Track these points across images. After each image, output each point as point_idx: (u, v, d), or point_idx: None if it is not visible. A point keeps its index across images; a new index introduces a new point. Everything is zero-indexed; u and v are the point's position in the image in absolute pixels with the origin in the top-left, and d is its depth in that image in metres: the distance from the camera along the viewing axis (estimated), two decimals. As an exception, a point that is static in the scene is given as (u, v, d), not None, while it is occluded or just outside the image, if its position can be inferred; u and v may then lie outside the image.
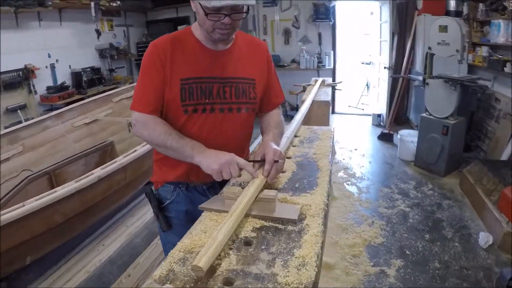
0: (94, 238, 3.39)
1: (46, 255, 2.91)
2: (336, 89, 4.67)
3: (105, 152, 4.19)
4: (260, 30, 7.50)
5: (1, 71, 4.92)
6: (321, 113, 3.55)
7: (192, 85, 1.46)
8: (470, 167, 4.05)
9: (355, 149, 5.44)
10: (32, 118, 4.47)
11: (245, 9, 1.36)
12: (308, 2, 6.98)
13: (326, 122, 3.56)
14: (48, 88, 5.60)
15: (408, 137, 4.89)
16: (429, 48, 4.31)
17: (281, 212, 1.19)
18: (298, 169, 1.58)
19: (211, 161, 1.33)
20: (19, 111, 5.19)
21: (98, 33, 6.33)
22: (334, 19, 7.06)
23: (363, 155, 5.22)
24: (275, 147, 1.43)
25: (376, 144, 5.76)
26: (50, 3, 5.13)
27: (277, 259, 0.95)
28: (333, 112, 7.50)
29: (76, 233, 3.09)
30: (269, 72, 1.66)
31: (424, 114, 4.49)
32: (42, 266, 2.98)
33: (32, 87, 5.34)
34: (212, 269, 0.90)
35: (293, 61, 7.43)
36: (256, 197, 1.22)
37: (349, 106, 7.74)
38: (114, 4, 6.60)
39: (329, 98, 3.64)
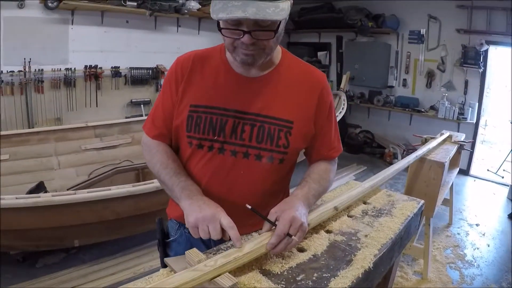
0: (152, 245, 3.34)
1: (97, 245, 3.09)
2: (464, 149, 3.85)
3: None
4: (402, 68, 6.83)
5: (134, 67, 5.44)
6: (432, 176, 2.88)
7: (201, 114, 1.17)
8: None
9: (476, 225, 4.46)
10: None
11: (273, 26, 1.01)
12: (458, 43, 6.09)
13: (436, 188, 2.88)
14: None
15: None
16: None
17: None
18: (325, 252, 1.14)
19: (191, 211, 1.03)
20: (142, 105, 5.56)
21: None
22: (485, 66, 6.00)
23: (483, 235, 4.23)
24: (298, 213, 1.03)
25: (505, 224, 4.63)
26: (186, 11, 5.37)
27: None
28: (467, 174, 6.42)
29: (128, 234, 3.14)
30: (321, 117, 1.26)
31: None
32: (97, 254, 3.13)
33: (159, 86, 5.68)
34: None
35: (432, 107, 6.56)
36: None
37: (487, 170, 6.53)
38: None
39: (446, 160, 2.94)
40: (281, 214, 1.04)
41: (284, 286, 0.96)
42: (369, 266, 1.07)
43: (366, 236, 1.25)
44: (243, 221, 1.21)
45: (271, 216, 1.05)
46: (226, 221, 1.00)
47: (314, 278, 1.00)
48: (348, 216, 1.40)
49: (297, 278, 0.99)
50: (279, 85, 1.20)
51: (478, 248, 3.92)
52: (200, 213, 1.02)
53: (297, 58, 1.28)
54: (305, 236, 1.20)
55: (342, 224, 1.33)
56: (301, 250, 1.14)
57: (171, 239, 1.39)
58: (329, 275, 1.01)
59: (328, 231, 1.27)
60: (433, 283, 3.17)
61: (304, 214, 1.07)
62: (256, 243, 1.01)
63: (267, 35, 1.03)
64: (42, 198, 2.47)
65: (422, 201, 1.66)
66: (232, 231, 0.98)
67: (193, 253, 0.97)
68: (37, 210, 2.46)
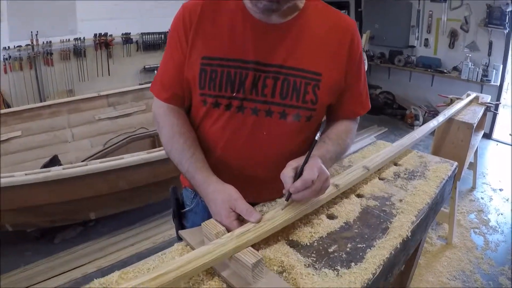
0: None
1: (115, 216, 3.05)
2: (491, 111, 3.65)
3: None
4: (423, 27, 6.51)
5: (145, 32, 5.31)
6: (460, 137, 2.74)
7: (216, 68, 1.02)
8: None
9: (500, 190, 4.31)
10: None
11: None
12: (482, 3, 5.75)
13: (464, 151, 2.74)
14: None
15: None
16: None
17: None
18: (357, 219, 1.03)
19: (208, 200, 0.97)
20: (155, 71, 5.43)
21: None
22: (511, 27, 5.69)
23: (507, 200, 4.09)
24: (322, 164, 0.91)
25: (530, 189, 4.48)
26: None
27: None
28: (489, 137, 6.20)
29: (145, 203, 3.08)
30: (352, 68, 1.11)
31: None
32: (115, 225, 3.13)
33: (171, 48, 5.53)
34: None
35: (455, 68, 6.29)
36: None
37: (510, 134, 6.29)
38: None
39: (475, 121, 2.78)
40: (298, 166, 0.91)
41: (314, 259, 0.86)
42: (407, 235, 0.97)
43: (400, 200, 1.14)
44: (265, 189, 1.11)
45: (291, 170, 0.90)
46: (241, 208, 0.89)
47: (348, 249, 0.90)
48: (379, 179, 1.29)
49: (329, 250, 0.89)
50: (304, 33, 1.05)
51: (502, 214, 3.78)
52: (215, 201, 0.93)
53: (323, 2, 1.12)
54: (335, 201, 1.10)
55: (374, 188, 1.21)
56: (331, 217, 1.04)
57: (187, 209, 1.29)
58: (364, 245, 0.91)
59: (359, 196, 1.16)
60: (457, 248, 3.08)
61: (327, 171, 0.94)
62: (278, 209, 0.91)
63: None
64: (52, 172, 2.40)
65: (456, 163, 1.53)
66: (252, 218, 0.87)
67: (210, 225, 0.87)
68: (48, 184, 2.40)
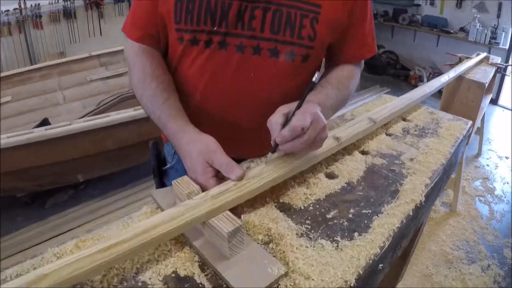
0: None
1: (105, 178, 2.99)
2: (501, 73, 3.44)
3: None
4: (429, -16, 6.22)
5: None
6: (471, 97, 2.56)
7: None
8: None
9: (506, 158, 4.16)
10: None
11: None
12: (492, -41, 5.45)
13: (474, 112, 2.56)
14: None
15: None
16: None
17: (236, 273, 0.59)
18: (362, 179, 0.87)
19: (182, 153, 0.80)
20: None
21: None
22: (521, -11, 5.41)
23: (514, 168, 3.96)
24: (317, 110, 0.73)
25: (538, 157, 4.33)
26: None
27: None
28: (495, 103, 6.00)
29: (134, 163, 3.00)
30: (357, 4, 0.92)
31: None
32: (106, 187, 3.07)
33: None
34: None
35: (462, 29, 6.03)
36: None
37: (517, 100, 6.10)
38: None
39: (486, 80, 2.60)
40: (289, 112, 0.74)
41: (309, 227, 0.71)
42: (420, 200, 0.81)
43: (411, 160, 0.97)
44: (252, 142, 0.95)
45: (280, 116, 0.73)
46: (220, 161, 0.72)
47: (350, 215, 0.74)
48: (386, 135, 1.12)
49: (327, 216, 0.73)
50: None
51: (508, 183, 3.64)
52: (189, 161, 0.77)
53: None
54: (335, 158, 0.94)
55: (381, 144, 1.04)
56: (331, 176, 0.87)
57: (168, 166, 1.15)
58: (370, 211, 0.75)
59: (363, 152, 1.00)
60: (461, 216, 2.96)
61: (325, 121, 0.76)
62: (264, 166, 0.75)
63: None
64: (35, 133, 2.30)
65: (470, 122, 1.36)
66: (232, 175, 0.70)
67: (183, 183, 0.70)
68: (32, 146, 2.30)
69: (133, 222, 0.74)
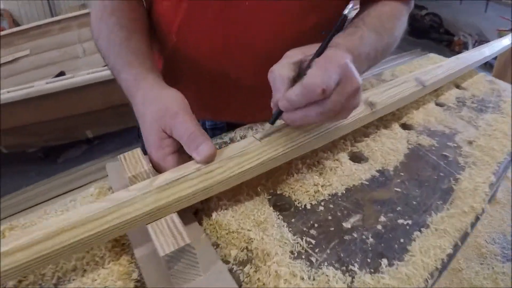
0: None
1: (120, 133, 2.90)
2: None
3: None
4: None
5: None
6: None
7: None
8: None
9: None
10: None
11: None
12: None
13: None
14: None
15: None
16: None
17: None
18: (401, 167, 0.60)
19: (138, 117, 0.54)
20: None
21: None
22: None
23: None
24: (347, 61, 0.44)
25: None
26: None
27: None
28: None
29: None
30: None
31: None
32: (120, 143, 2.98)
33: None
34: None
35: (515, -4, 5.49)
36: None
37: None
38: None
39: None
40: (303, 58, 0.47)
41: (313, 241, 0.46)
42: (482, 208, 0.55)
43: (470, 143, 0.70)
44: (251, 100, 0.70)
45: (288, 65, 0.45)
46: (180, 131, 0.46)
47: (379, 226, 0.48)
48: (436, 104, 0.84)
49: (344, 225, 0.47)
50: None
51: None
52: (143, 130, 0.51)
53: None
54: (366, 131, 0.68)
55: (429, 116, 0.77)
56: (358, 158, 0.61)
57: None
58: (410, 221, 0.49)
59: (405, 126, 0.72)
60: (501, 205, 2.48)
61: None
62: (252, 141, 0.49)
63: None
64: (35, 88, 2.15)
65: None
66: (195, 153, 0.45)
67: (130, 161, 0.46)
68: (32, 101, 2.18)
69: (75, 206, 0.52)
